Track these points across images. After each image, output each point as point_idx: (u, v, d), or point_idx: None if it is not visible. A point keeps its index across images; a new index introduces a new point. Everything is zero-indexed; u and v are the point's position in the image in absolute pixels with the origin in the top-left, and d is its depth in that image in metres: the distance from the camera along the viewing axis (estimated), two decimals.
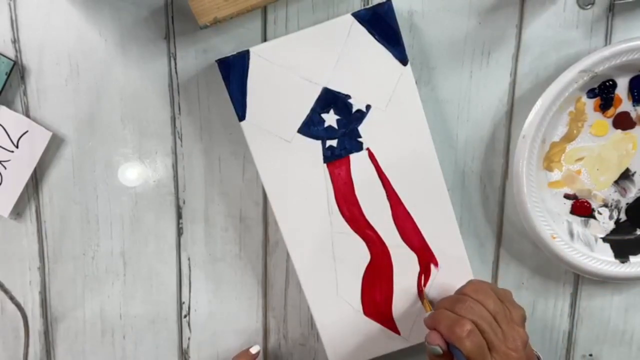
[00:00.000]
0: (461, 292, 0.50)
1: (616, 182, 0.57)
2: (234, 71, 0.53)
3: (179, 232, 0.60)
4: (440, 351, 0.47)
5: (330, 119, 0.54)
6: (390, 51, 0.53)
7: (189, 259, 0.60)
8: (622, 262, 0.57)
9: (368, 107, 0.54)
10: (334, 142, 0.55)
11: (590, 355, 0.61)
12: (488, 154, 0.58)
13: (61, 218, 0.59)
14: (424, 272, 0.56)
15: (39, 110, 0.57)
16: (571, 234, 0.57)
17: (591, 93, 0.55)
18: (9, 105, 0.57)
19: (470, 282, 0.51)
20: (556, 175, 0.57)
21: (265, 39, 0.56)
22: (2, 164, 0.57)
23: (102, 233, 0.59)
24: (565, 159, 0.56)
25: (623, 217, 0.57)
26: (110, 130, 0.58)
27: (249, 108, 0.54)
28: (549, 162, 0.56)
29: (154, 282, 0.60)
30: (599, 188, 0.57)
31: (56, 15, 0.56)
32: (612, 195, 0.57)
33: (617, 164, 0.57)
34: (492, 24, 0.55)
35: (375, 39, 0.53)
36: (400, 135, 0.54)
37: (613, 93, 0.55)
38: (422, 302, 0.56)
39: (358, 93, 0.54)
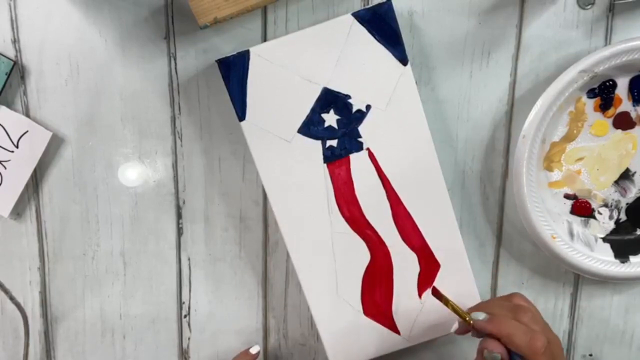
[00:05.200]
0: (512, 300, 0.49)
1: (616, 182, 0.57)
2: (234, 71, 0.53)
3: (179, 232, 0.60)
4: (500, 358, 0.45)
5: (330, 119, 0.54)
6: (390, 51, 0.53)
7: (189, 259, 0.60)
8: (622, 262, 0.57)
9: (368, 107, 0.54)
10: (334, 142, 0.55)
11: (590, 355, 0.61)
12: (488, 154, 0.58)
13: (61, 218, 0.59)
14: (429, 274, 0.56)
15: (39, 110, 0.57)
16: (571, 234, 0.57)
17: (591, 93, 0.55)
18: (9, 105, 0.57)
19: (517, 293, 0.50)
20: (556, 175, 0.57)
21: (265, 39, 0.56)
22: (2, 164, 0.57)
23: (102, 233, 0.59)
24: (565, 159, 0.56)
25: (623, 217, 0.57)
26: (110, 130, 0.58)
27: (249, 108, 0.54)
28: (549, 162, 0.56)
29: (154, 282, 0.60)
30: (599, 188, 0.57)
31: (56, 15, 0.56)
32: (612, 195, 0.57)
33: (617, 164, 0.57)
34: (492, 24, 0.55)
35: (375, 39, 0.53)
36: (400, 135, 0.54)
37: (613, 93, 0.55)
38: (446, 304, 0.50)
39: (358, 93, 0.54)
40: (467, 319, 0.48)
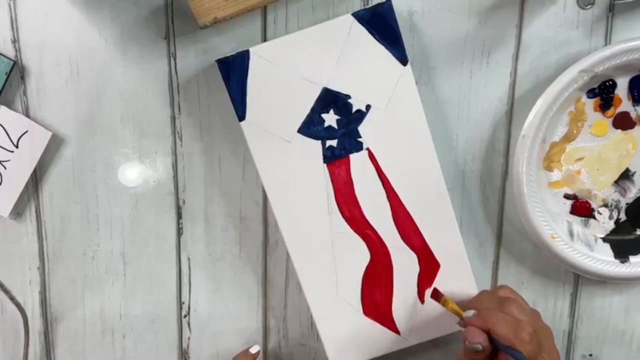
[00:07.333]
0: (499, 294, 0.50)
1: (616, 182, 0.57)
2: (234, 71, 0.53)
3: (179, 232, 0.60)
4: (481, 348, 0.46)
5: (330, 119, 0.54)
6: (390, 51, 0.53)
7: (189, 259, 0.60)
8: (622, 262, 0.57)
9: (368, 107, 0.54)
10: (334, 142, 0.55)
11: (590, 355, 0.61)
12: (488, 154, 0.58)
13: (61, 218, 0.59)
14: (429, 274, 0.56)
15: (39, 110, 0.57)
16: (571, 234, 0.57)
17: (591, 93, 0.55)
18: (9, 105, 0.57)
19: (503, 286, 0.52)
20: (556, 175, 0.57)
21: (265, 39, 0.56)
22: (2, 164, 0.57)
23: (102, 233, 0.59)
24: (565, 159, 0.57)
25: (623, 217, 0.58)
26: (110, 130, 0.58)
27: (249, 108, 0.54)
28: (549, 162, 0.56)
29: (154, 282, 0.60)
30: (599, 188, 0.57)
31: (56, 15, 0.56)
32: (612, 195, 0.57)
33: (617, 164, 0.57)
34: (492, 24, 0.55)
35: (375, 39, 0.53)
36: (400, 135, 0.54)
37: (613, 93, 0.55)
38: (445, 304, 0.53)
39: (358, 93, 0.54)
40: (462, 316, 0.50)
